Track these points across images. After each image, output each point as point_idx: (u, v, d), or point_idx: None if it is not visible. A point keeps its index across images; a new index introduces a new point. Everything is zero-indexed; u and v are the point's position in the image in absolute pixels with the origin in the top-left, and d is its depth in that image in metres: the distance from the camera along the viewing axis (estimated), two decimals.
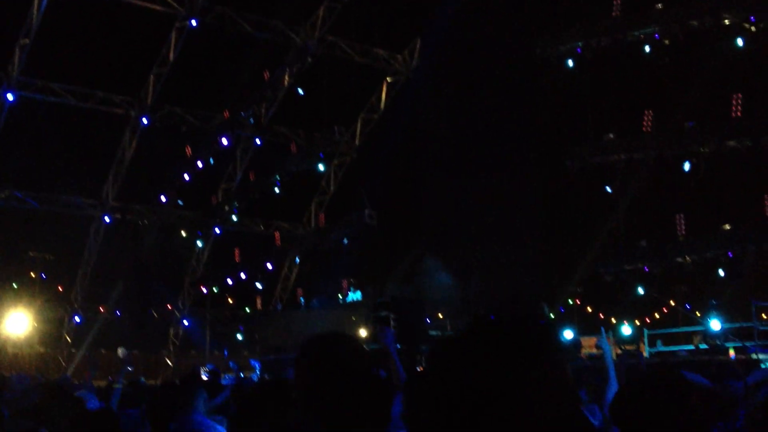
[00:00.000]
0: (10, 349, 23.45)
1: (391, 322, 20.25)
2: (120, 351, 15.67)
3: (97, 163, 23.24)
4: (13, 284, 23.11)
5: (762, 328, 16.56)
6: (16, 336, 23.53)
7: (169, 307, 27.87)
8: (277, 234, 27.67)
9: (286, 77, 23.43)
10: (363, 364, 1.88)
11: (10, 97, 20.30)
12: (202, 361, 24.73)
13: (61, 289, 24.60)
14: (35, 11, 19.28)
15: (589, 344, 22.62)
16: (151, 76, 22.37)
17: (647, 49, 21.89)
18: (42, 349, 24.58)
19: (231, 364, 17.24)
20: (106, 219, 24.08)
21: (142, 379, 16.08)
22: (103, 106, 22.27)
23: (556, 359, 1.18)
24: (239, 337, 27.66)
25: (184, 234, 26.01)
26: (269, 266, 27.36)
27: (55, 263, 23.41)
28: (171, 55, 21.81)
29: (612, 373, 5.63)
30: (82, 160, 21.87)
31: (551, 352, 1.21)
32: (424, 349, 19.81)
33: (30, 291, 23.22)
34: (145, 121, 22.63)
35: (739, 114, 20.01)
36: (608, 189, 24.98)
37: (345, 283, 25.67)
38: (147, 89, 22.49)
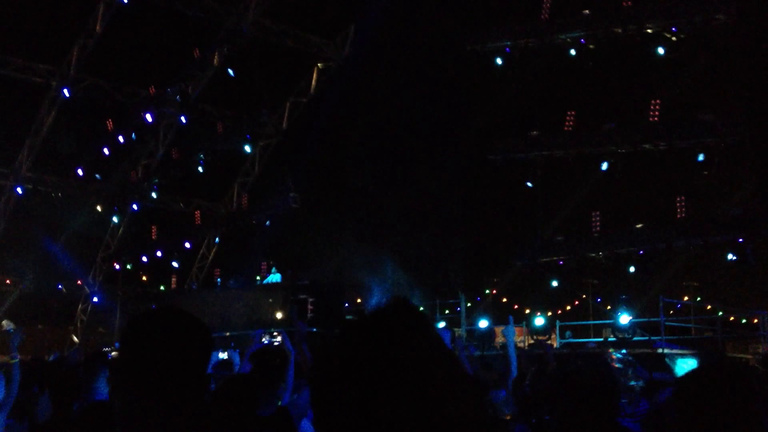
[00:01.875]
0: None
1: (309, 305, 21.03)
2: (5, 323, 15.44)
3: (12, 132, 22.85)
4: None
5: (669, 323, 17.59)
6: None
7: (79, 283, 27.75)
8: (197, 213, 27.73)
9: (216, 57, 23.57)
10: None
11: None
12: (110, 339, 24.93)
13: None
14: None
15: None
16: (76, 47, 22.19)
17: (573, 52, 22.85)
18: None
19: None
20: (19, 190, 23.86)
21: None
22: (23, 74, 21.96)
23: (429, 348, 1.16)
24: None
25: (99, 208, 25.98)
26: (187, 245, 27.49)
27: None
28: (98, 27, 21.66)
29: (513, 359, 6.42)
30: None
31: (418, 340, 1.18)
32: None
33: None
34: (66, 92, 22.43)
35: (656, 118, 21.09)
36: (529, 184, 26.12)
37: (264, 265, 26.04)
38: (70, 60, 22.30)
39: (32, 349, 25.27)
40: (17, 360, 5.51)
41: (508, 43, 24.17)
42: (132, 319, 1.94)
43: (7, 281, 25.22)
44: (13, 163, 23.70)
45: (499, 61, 23.83)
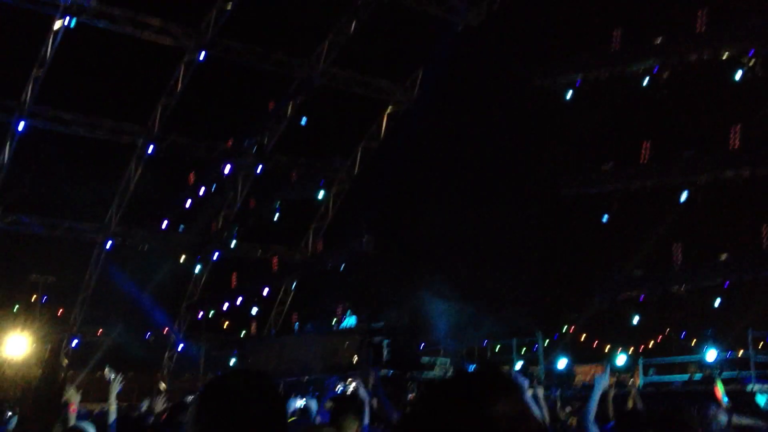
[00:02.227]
0: (8, 371, 24.22)
1: (385, 348, 21.12)
2: (107, 371, 16.11)
3: (102, 189, 24.01)
4: (15, 307, 23.87)
5: (759, 358, 16.85)
6: (14, 358, 24.36)
7: (165, 331, 28.62)
8: (274, 259, 28.30)
9: (290, 108, 24.33)
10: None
11: (21, 126, 21.32)
12: (195, 385, 25.55)
13: (61, 312, 25.36)
14: (50, 43, 20.24)
15: (583, 372, 23.34)
16: (159, 107, 23.32)
17: (646, 81, 22.44)
18: (39, 372, 25.33)
19: None
20: (108, 244, 25.01)
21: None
22: (112, 136, 23.20)
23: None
24: (233, 361, 28.29)
25: (183, 259, 26.90)
26: (265, 291, 28.03)
27: (57, 286, 24.21)
28: (179, 87, 22.76)
29: (592, 405, 6.40)
30: (88, 186, 22.68)
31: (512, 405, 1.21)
32: (416, 375, 20.67)
33: (30, 314, 24.01)
34: (150, 149, 23.57)
35: (737, 145, 20.60)
36: (604, 219, 25.75)
37: (340, 309, 26.34)
38: (154, 119, 23.44)
39: (123, 395, 26.16)
40: (115, 407, 5.87)
41: (579, 75, 24.07)
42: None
43: (99, 332, 26.19)
44: (103, 218, 24.79)
45: (569, 94, 23.77)
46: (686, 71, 22.24)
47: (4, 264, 22.67)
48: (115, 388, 6.09)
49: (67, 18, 19.62)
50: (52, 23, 19.79)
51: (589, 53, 23.68)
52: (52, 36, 20.16)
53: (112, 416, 5.81)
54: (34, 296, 23.74)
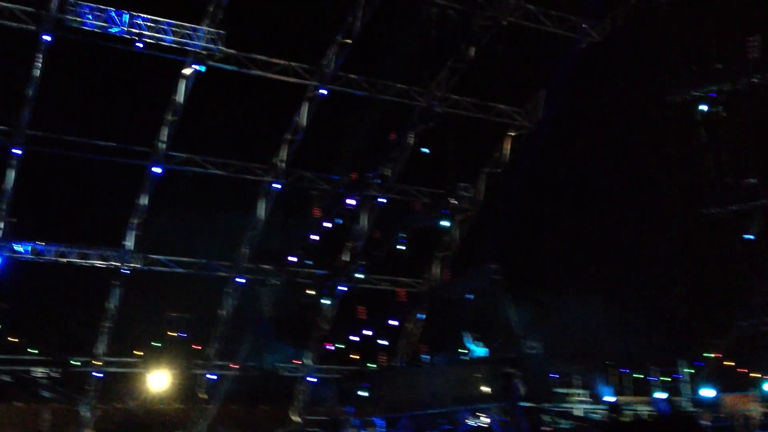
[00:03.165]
0: (153, 406, 25.27)
1: (517, 379, 20.48)
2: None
3: (233, 227, 24.74)
4: (156, 343, 24.92)
5: None
6: (157, 393, 25.37)
7: (297, 364, 29.04)
8: (401, 290, 28.29)
9: (411, 137, 24.35)
10: None
11: (157, 170, 22.38)
12: (328, 418, 25.70)
13: (199, 347, 26.24)
14: (183, 90, 21.28)
15: (731, 401, 21.99)
16: (284, 144, 23.91)
17: None
18: (178, 405, 26.29)
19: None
20: (241, 280, 25.65)
21: None
22: (240, 173, 23.91)
23: None
24: (364, 393, 28.33)
25: (311, 292, 27.23)
26: (393, 322, 28.06)
27: (193, 324, 25.11)
28: (303, 123, 23.29)
29: None
30: (220, 225, 23.48)
31: None
32: (549, 407, 20.03)
33: (169, 350, 24.98)
34: (277, 186, 24.19)
35: None
36: (749, 236, 24.31)
37: (470, 339, 25.92)
38: (280, 156, 24.06)
39: (256, 426, 26.83)
40: None
41: (714, 87, 23.00)
42: None
43: (231, 365, 26.86)
44: (235, 255, 25.53)
45: (704, 107, 22.80)
46: None
47: (145, 302, 23.65)
48: None
49: (197, 65, 20.42)
50: (183, 70, 20.64)
51: (724, 63, 22.71)
52: (184, 83, 21.09)
53: None
54: (173, 333, 24.64)
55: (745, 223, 23.98)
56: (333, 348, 28.43)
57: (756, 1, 21.94)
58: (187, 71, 20.62)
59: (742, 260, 24.39)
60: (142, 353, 24.84)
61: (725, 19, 22.16)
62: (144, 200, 22.90)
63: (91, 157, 21.27)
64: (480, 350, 24.63)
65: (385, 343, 28.58)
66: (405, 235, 26.07)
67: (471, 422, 17.87)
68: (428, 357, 27.20)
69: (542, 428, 18.32)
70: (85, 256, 22.68)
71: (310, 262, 26.26)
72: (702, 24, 22.44)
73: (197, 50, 20.30)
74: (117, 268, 23.42)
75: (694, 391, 22.23)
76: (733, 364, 26.83)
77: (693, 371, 23.57)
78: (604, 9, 23.97)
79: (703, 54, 23.16)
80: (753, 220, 24.01)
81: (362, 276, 27.27)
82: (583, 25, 23.63)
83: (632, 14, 24.39)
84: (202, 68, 20.36)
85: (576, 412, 20.53)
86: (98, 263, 23.02)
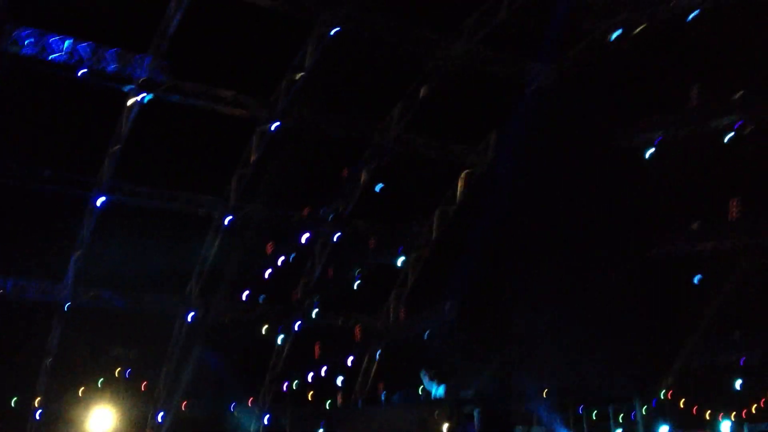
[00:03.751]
0: None
1: (476, 418, 19.37)
2: None
3: (182, 261, 23.30)
4: (98, 381, 23.15)
5: None
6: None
7: (250, 403, 27.45)
8: (357, 328, 27.17)
9: (364, 174, 23.43)
10: None
11: (100, 201, 20.76)
12: None
13: (145, 385, 24.49)
14: (124, 120, 19.89)
15: None
16: (234, 178, 22.65)
17: (728, 137, 21.28)
18: None
19: None
20: (190, 316, 24.02)
21: None
22: (188, 207, 22.56)
23: None
24: None
25: (265, 329, 25.82)
26: (349, 360, 26.80)
27: (139, 360, 23.45)
28: (252, 157, 22.06)
29: None
30: (167, 259, 22.04)
31: None
32: None
33: (114, 388, 23.19)
34: (227, 221, 22.80)
35: None
36: (697, 280, 24.19)
37: (427, 378, 24.84)
38: (230, 190, 22.74)
39: None
40: None
41: (659, 133, 22.94)
42: None
43: (183, 404, 25.13)
44: (183, 291, 23.91)
45: (649, 153, 22.44)
46: None
47: (86, 338, 22.10)
48: None
49: (142, 94, 19.04)
50: (127, 100, 19.24)
51: (668, 111, 22.56)
52: (126, 112, 19.62)
53: None
54: (118, 370, 22.91)
55: (693, 266, 23.78)
56: (287, 387, 26.80)
57: (702, 50, 21.54)
58: (130, 101, 19.10)
59: (693, 303, 24.14)
60: (84, 391, 22.89)
61: (667, 67, 21.79)
62: (86, 232, 21.18)
63: (31, 186, 19.78)
64: (438, 389, 23.56)
65: (341, 381, 27.20)
66: (359, 272, 24.92)
67: None
68: (385, 395, 26.11)
69: None
70: (23, 290, 20.89)
71: (262, 298, 24.79)
72: (649, 71, 22.15)
73: (142, 79, 18.82)
74: (57, 302, 21.55)
75: (649, 430, 21.12)
76: (683, 402, 26.27)
77: (646, 409, 22.77)
78: (554, 53, 23.34)
79: (650, 100, 22.93)
80: (700, 263, 23.71)
81: (316, 312, 25.82)
82: (531, 69, 22.86)
83: (583, 59, 23.79)
84: (148, 97, 18.88)
85: None
86: (37, 296, 21.13)
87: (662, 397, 25.58)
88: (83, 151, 20.02)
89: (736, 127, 21.57)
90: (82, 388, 23.08)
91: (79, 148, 19.87)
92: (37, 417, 22.38)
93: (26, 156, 19.41)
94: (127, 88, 19.31)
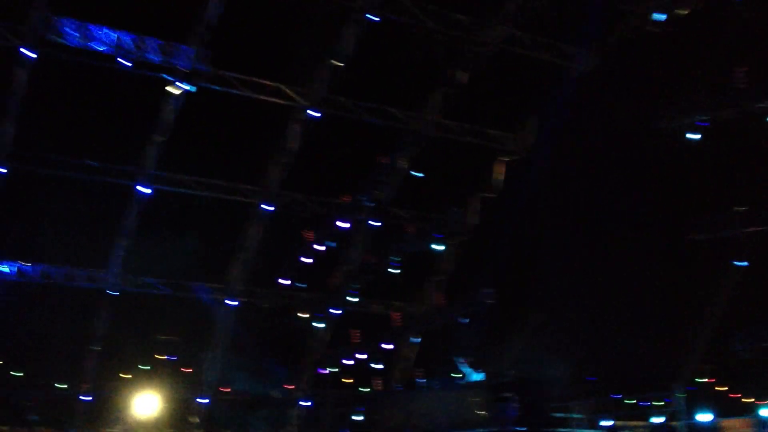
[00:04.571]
0: (139, 431, 23.58)
1: (513, 404, 19.26)
2: None
3: (224, 249, 23.44)
4: (145, 366, 23.42)
5: None
6: (146, 418, 23.67)
7: (291, 388, 27.57)
8: (395, 314, 27.05)
9: (403, 161, 23.18)
10: None
11: (145, 190, 20.87)
12: None
13: (188, 371, 24.72)
14: (167, 109, 19.91)
15: (729, 426, 20.78)
16: (274, 165, 22.55)
17: None
18: (168, 430, 24.57)
19: None
20: (233, 303, 24.13)
21: None
22: (230, 195, 22.55)
23: None
24: (360, 418, 26.91)
25: (304, 316, 25.84)
26: (388, 346, 26.77)
27: (183, 346, 23.67)
28: (293, 145, 21.98)
29: None
30: (210, 247, 22.20)
31: None
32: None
33: (159, 373, 23.45)
34: (269, 208, 22.74)
35: None
36: (738, 263, 23.60)
37: (464, 364, 24.70)
38: (270, 178, 22.70)
39: None
40: None
41: (703, 116, 22.36)
42: None
43: (226, 390, 25.32)
44: (226, 278, 24.05)
45: (693, 135, 21.95)
46: None
47: (132, 325, 22.30)
48: None
49: (185, 84, 19.09)
50: (170, 90, 19.31)
51: (713, 92, 21.99)
52: (171, 102, 19.79)
53: None
54: (163, 356, 23.14)
55: (735, 250, 23.08)
56: (326, 372, 26.90)
57: (746, 32, 20.96)
58: (174, 91, 19.12)
59: (735, 288, 23.39)
60: (130, 376, 23.18)
61: (714, 48, 21.21)
62: (131, 221, 21.31)
63: (77, 176, 19.98)
64: (476, 375, 23.47)
65: (380, 366, 27.22)
66: (398, 259, 24.85)
67: None
68: (424, 381, 26.03)
69: None
70: (71, 278, 21.12)
71: (303, 285, 24.84)
72: (692, 53, 21.59)
73: (185, 69, 18.82)
74: (104, 290, 21.78)
75: (690, 416, 21.06)
76: (726, 388, 25.74)
77: (686, 396, 22.52)
78: (595, 37, 22.88)
79: (693, 83, 22.41)
80: (741, 247, 23.04)
81: (355, 299, 25.82)
82: (573, 53, 22.43)
83: (624, 42, 23.36)
84: (192, 88, 19.05)
85: None
86: (85, 284, 21.35)
87: (703, 384, 25.08)
88: (127, 141, 20.16)
89: None
90: (129, 373, 23.42)
91: (123, 138, 20.01)
92: (85, 401, 22.72)
93: (72, 146, 19.57)
94: (170, 78, 19.32)
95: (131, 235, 21.71)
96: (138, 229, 21.54)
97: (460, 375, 24.14)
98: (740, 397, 25.21)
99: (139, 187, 20.91)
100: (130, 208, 21.44)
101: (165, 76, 19.22)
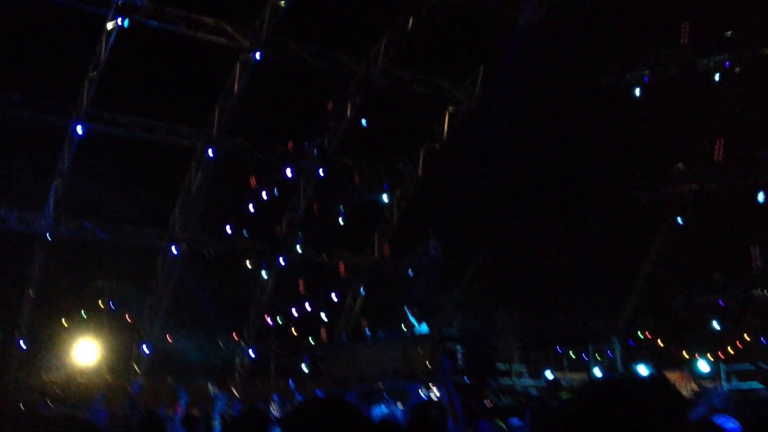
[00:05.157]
0: (80, 378, 23.18)
1: (458, 355, 19.42)
2: (211, 388, 15.26)
3: (165, 194, 22.98)
4: (82, 313, 22.92)
5: None
6: (85, 365, 23.29)
7: (235, 337, 27.40)
8: (341, 264, 26.99)
9: (349, 108, 22.87)
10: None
11: (79, 129, 20.17)
12: (266, 391, 24.10)
13: (128, 319, 24.31)
14: (103, 45, 19.21)
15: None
16: (217, 108, 22.09)
17: (717, 77, 21.17)
18: (110, 379, 24.25)
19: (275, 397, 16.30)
20: (173, 250, 23.73)
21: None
22: (170, 138, 22.03)
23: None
24: (304, 368, 26.88)
25: (249, 265, 25.57)
26: (334, 297, 26.69)
27: (123, 292, 23.20)
28: (235, 88, 21.51)
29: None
30: (150, 191, 21.65)
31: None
32: (492, 383, 18.83)
33: (98, 320, 23.00)
34: (210, 153, 22.34)
35: None
36: (679, 220, 24.07)
37: (411, 315, 24.81)
38: (212, 121, 22.22)
39: (199, 402, 25.16)
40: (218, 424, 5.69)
41: (647, 72, 22.53)
42: (291, 416, 1.98)
43: (168, 338, 25.01)
44: (167, 224, 23.54)
45: (637, 91, 22.23)
46: (760, 66, 20.69)
47: (68, 270, 21.81)
48: (219, 407, 6.20)
49: (120, 18, 18.32)
50: (105, 23, 18.50)
51: (658, 48, 22.31)
52: (105, 37, 18.96)
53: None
54: (101, 302, 22.66)
55: (677, 208, 23.63)
56: (272, 322, 26.72)
57: None
58: (110, 25, 18.38)
59: (675, 244, 23.99)
60: (68, 323, 22.69)
61: (658, 4, 21.35)
62: (67, 162, 20.64)
63: (10, 113, 19.08)
64: (421, 326, 23.56)
65: (325, 317, 27.14)
66: (344, 208, 24.57)
67: (422, 394, 16.78)
68: (369, 331, 26.08)
69: (485, 403, 17.35)
70: (4, 220, 20.47)
71: (247, 234, 24.46)
72: (638, 7, 21.64)
73: (120, 3, 18.13)
74: (39, 233, 21.13)
75: (628, 369, 21.18)
76: (662, 343, 26.37)
77: (624, 348, 22.81)
78: None
79: (639, 38, 22.51)
80: (683, 205, 23.62)
81: (300, 249, 25.56)
82: (521, 3, 22.28)
83: None
84: (125, 23, 18.17)
85: (518, 388, 19.96)
86: (18, 227, 20.71)
87: (640, 338, 25.66)
88: (61, 77, 19.40)
89: (726, 66, 21.32)
90: (66, 319, 22.89)
91: (56, 74, 19.25)
92: (22, 347, 22.25)
93: (3, 83, 18.72)
94: (105, 12, 18.62)
95: (66, 176, 21.08)
96: (75, 171, 20.90)
97: (406, 326, 24.27)
98: (678, 352, 25.91)
99: (76, 127, 20.21)
100: (65, 147, 20.79)
101: (101, 10, 18.47)
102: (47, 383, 22.60)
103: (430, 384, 17.37)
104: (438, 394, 17.47)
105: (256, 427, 4.12)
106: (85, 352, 23.05)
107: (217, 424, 5.77)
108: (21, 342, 22.13)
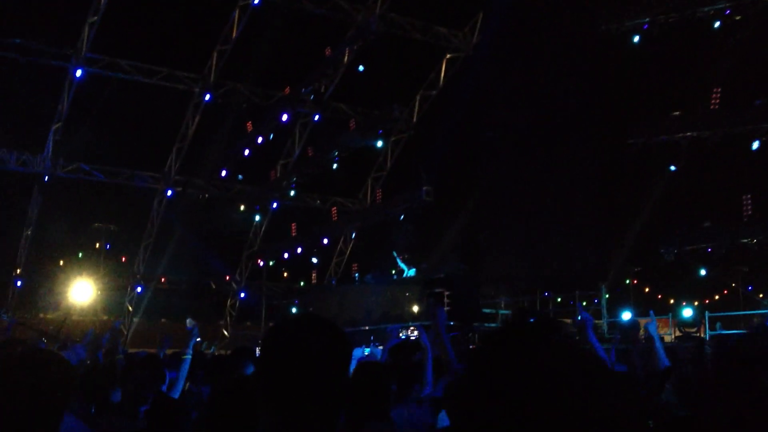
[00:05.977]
0: (75, 317, 24.47)
1: (445, 299, 20.47)
2: (188, 322, 16.31)
3: (161, 137, 23.72)
4: (79, 254, 23.95)
5: None
6: (81, 304, 24.54)
7: (227, 279, 28.50)
8: (333, 209, 27.90)
9: (347, 54, 23.42)
10: (326, 351, 1.80)
11: (78, 73, 20.81)
12: (257, 333, 25.45)
13: (124, 260, 25.40)
14: None
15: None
16: (214, 53, 22.67)
17: (717, 24, 21.48)
18: (105, 317, 25.57)
19: None
20: (169, 193, 24.71)
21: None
22: (168, 82, 22.64)
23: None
24: (294, 310, 28.09)
25: (242, 208, 26.53)
26: (325, 241, 27.61)
27: (119, 234, 24.18)
28: (234, 33, 22.04)
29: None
30: (147, 134, 22.39)
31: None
32: (477, 327, 20.04)
33: (95, 261, 24.06)
34: (207, 97, 22.99)
35: None
36: (672, 168, 24.59)
37: (400, 259, 25.73)
38: (210, 66, 22.84)
39: (181, 342, 26.35)
40: (189, 357, 5.90)
41: (646, 19, 22.93)
42: (270, 332, 1.91)
43: (162, 280, 26.20)
44: (163, 167, 24.44)
45: (636, 38, 22.62)
46: (759, 15, 21.14)
47: (66, 212, 22.64)
48: (193, 339, 6.21)
49: None
50: None
51: None
52: None
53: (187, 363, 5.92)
54: (98, 244, 23.72)
55: (670, 155, 23.94)
56: (263, 265, 27.89)
57: None
58: None
59: (666, 191, 24.48)
60: (64, 263, 23.83)
61: None
62: (66, 105, 21.39)
63: (10, 55, 19.65)
64: (409, 271, 24.56)
65: (316, 261, 28.21)
66: (338, 154, 25.36)
67: (402, 335, 17.78)
68: (358, 275, 27.10)
69: (471, 347, 18.34)
70: (1, 161, 21.29)
71: (242, 178, 25.38)
72: None
73: None
74: (37, 174, 22.06)
75: (614, 315, 22.08)
76: (648, 289, 27.39)
77: (611, 295, 23.58)
78: None
79: None
80: (677, 152, 24.29)
81: (294, 193, 26.49)
82: None
83: None
84: None
85: None
86: (16, 167, 21.61)
87: (627, 285, 26.64)
88: (61, 21, 19.88)
89: (726, 14, 21.73)
90: (64, 260, 23.99)
91: (56, 18, 19.71)
92: (18, 285, 23.42)
93: (3, 27, 19.19)
94: None
95: (65, 119, 21.80)
96: (73, 114, 21.57)
97: (394, 271, 25.37)
98: (663, 299, 27.15)
99: (75, 71, 20.85)
100: (64, 90, 21.45)
101: None
102: (43, 321, 23.90)
103: (411, 327, 18.46)
104: (417, 334, 18.56)
105: (245, 363, 4.45)
106: (81, 292, 24.27)
107: (188, 357, 5.83)
108: (18, 282, 23.34)
